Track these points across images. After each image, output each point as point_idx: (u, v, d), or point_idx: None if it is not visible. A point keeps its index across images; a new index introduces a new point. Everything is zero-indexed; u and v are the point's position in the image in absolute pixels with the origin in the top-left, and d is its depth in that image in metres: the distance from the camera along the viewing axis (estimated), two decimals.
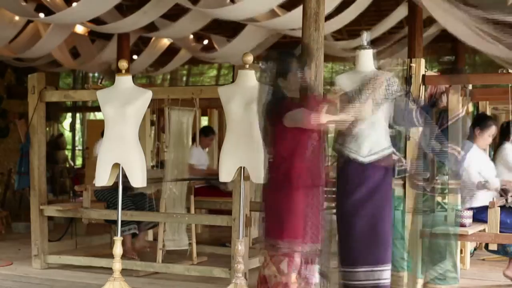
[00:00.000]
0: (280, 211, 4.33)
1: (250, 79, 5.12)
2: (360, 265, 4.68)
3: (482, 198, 5.85)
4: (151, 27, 9.28)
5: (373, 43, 5.25)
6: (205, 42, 11.51)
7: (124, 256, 5.65)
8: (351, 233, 4.73)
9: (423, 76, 5.29)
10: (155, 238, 7.17)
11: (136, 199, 6.98)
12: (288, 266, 4.33)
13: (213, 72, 15.72)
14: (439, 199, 5.42)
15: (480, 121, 6.22)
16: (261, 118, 4.44)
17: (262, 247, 4.48)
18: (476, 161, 5.97)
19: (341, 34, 11.54)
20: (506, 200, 5.89)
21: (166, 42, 11.17)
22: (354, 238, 4.72)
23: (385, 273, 4.70)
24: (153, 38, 10.98)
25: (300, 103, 4.36)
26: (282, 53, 4.59)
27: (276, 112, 4.35)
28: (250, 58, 5.10)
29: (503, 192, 5.96)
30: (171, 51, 11.50)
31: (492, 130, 6.15)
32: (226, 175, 5.03)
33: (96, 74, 15.54)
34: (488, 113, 7.95)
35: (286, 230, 4.31)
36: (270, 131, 4.40)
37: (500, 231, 5.59)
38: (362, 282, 4.68)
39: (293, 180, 4.31)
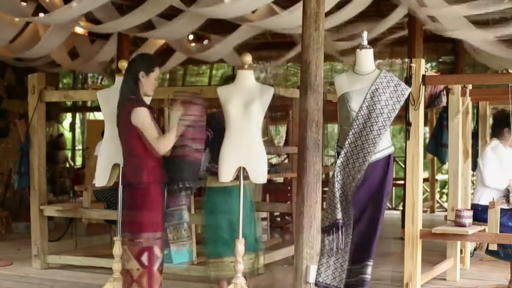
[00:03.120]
0: (138, 206, 4.58)
1: (249, 80, 5.12)
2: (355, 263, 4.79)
3: (488, 197, 5.83)
4: (148, 26, 9.27)
5: (372, 43, 5.25)
6: (205, 42, 11.51)
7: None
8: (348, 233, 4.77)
9: (423, 76, 5.28)
10: None
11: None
12: (149, 258, 4.59)
13: (213, 72, 15.71)
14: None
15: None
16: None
17: (123, 242, 4.75)
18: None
19: (341, 34, 11.54)
20: (508, 201, 5.87)
21: (162, 41, 11.16)
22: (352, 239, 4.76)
23: (369, 268, 4.80)
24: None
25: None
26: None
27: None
28: (249, 59, 5.11)
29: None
30: (168, 51, 11.48)
31: None
32: (225, 175, 5.02)
33: (96, 74, 15.53)
34: (488, 113, 7.96)
35: (145, 224, 4.58)
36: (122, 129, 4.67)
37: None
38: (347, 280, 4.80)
39: (148, 177, 4.57)
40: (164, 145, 4.54)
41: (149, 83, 4.71)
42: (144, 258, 4.59)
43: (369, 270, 4.79)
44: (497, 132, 6.07)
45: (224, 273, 5.13)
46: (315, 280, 4.83)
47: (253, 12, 8.54)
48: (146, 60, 4.80)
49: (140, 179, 4.58)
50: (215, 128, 5.06)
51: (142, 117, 4.54)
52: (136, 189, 4.60)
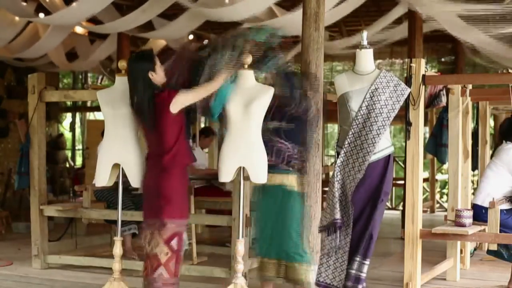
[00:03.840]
0: (170, 191, 4.71)
1: (249, 79, 5.11)
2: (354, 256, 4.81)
3: (502, 192, 5.82)
4: (148, 26, 9.28)
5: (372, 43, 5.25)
6: (205, 42, 11.48)
7: (124, 256, 5.65)
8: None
9: (423, 76, 5.29)
10: None
11: (136, 199, 6.98)
12: (178, 243, 4.74)
13: None
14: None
15: None
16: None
17: (150, 229, 4.79)
18: None
19: (341, 34, 11.55)
20: (510, 201, 5.87)
21: (163, 41, 11.16)
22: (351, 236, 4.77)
23: (365, 267, 4.82)
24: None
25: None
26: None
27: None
28: (249, 59, 5.11)
29: None
30: (168, 50, 11.46)
31: None
32: (225, 175, 5.02)
33: (96, 74, 15.54)
34: (488, 113, 7.97)
35: (177, 209, 4.73)
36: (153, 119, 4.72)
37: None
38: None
39: (174, 162, 4.71)
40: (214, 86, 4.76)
41: (159, 75, 4.80)
42: (174, 242, 4.73)
43: (365, 269, 4.80)
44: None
45: (268, 273, 5.10)
46: (316, 280, 4.85)
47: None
48: (146, 59, 4.83)
49: (174, 164, 4.70)
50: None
51: (180, 99, 4.66)
52: (168, 175, 4.70)
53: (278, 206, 4.99)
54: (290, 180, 4.95)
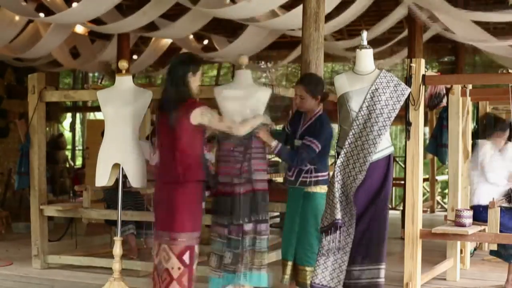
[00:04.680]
0: (180, 205, 4.60)
1: (247, 79, 5.13)
2: (359, 264, 4.74)
3: (489, 196, 5.83)
4: (151, 27, 9.28)
5: (372, 43, 5.25)
6: (205, 42, 11.51)
7: (124, 256, 5.65)
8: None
9: (423, 76, 5.28)
10: None
11: (138, 200, 6.99)
12: (190, 257, 4.62)
13: (213, 72, 15.71)
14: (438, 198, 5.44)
15: (499, 125, 6.20)
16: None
17: (159, 241, 4.69)
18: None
19: (341, 34, 11.55)
20: (509, 200, 5.88)
21: (166, 42, 11.17)
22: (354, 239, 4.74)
23: (382, 272, 4.74)
24: (153, 38, 10.98)
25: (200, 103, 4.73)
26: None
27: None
28: (245, 60, 5.14)
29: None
30: (171, 51, 11.50)
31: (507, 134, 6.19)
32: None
33: (96, 74, 15.55)
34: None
35: (186, 223, 4.61)
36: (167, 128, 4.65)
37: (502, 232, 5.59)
38: (357, 281, 4.74)
39: (196, 175, 4.64)
40: (244, 128, 4.78)
41: (195, 83, 4.73)
42: (186, 257, 4.62)
43: (382, 273, 4.73)
44: (489, 134, 6.08)
45: (286, 276, 5.14)
46: (311, 282, 4.79)
47: None
48: (193, 60, 4.80)
49: (189, 178, 4.62)
50: (322, 139, 4.99)
51: (206, 115, 4.62)
52: (181, 188, 4.61)
53: (298, 209, 5.06)
54: (317, 188, 5.04)
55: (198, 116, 4.60)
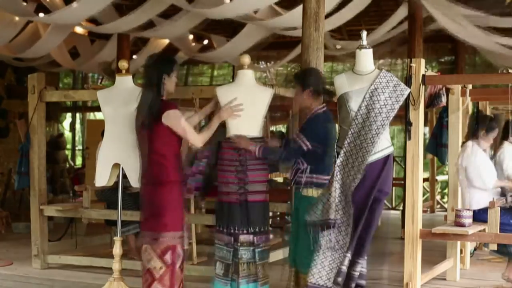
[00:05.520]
0: (161, 205, 4.63)
1: (249, 79, 5.12)
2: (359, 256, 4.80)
3: (480, 201, 5.82)
4: (149, 26, 9.28)
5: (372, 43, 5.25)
6: (205, 42, 11.50)
7: (124, 256, 5.65)
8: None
9: (423, 76, 5.29)
10: None
11: (138, 199, 6.98)
12: (172, 256, 4.64)
13: (214, 72, 15.72)
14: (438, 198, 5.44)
15: (485, 123, 6.13)
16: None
17: (143, 242, 4.74)
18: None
19: (341, 34, 11.56)
20: (506, 200, 5.88)
21: (165, 41, 11.16)
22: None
23: (365, 263, 4.84)
24: (152, 38, 10.97)
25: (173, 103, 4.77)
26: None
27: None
28: (247, 60, 5.13)
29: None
30: (170, 51, 11.48)
31: (496, 132, 6.15)
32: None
33: (96, 74, 15.54)
34: (488, 113, 7.96)
35: (166, 223, 4.63)
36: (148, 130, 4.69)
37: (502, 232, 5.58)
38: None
39: (174, 176, 4.66)
40: (202, 139, 4.78)
41: (171, 84, 4.76)
42: (168, 256, 4.65)
43: (358, 267, 4.79)
44: (475, 134, 6.03)
45: (291, 283, 5.13)
46: (308, 282, 4.77)
47: (254, 12, 8.54)
48: (167, 62, 4.80)
49: (166, 178, 4.64)
50: (313, 137, 4.84)
51: (175, 118, 4.64)
52: (159, 188, 4.65)
53: (300, 215, 4.97)
54: (309, 191, 4.95)
55: (167, 117, 4.62)
